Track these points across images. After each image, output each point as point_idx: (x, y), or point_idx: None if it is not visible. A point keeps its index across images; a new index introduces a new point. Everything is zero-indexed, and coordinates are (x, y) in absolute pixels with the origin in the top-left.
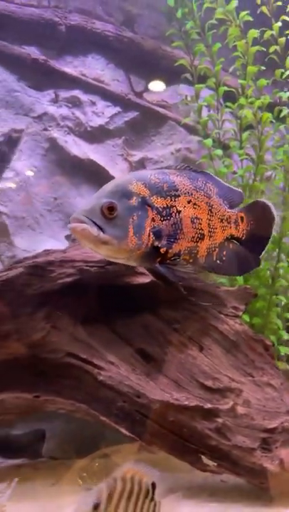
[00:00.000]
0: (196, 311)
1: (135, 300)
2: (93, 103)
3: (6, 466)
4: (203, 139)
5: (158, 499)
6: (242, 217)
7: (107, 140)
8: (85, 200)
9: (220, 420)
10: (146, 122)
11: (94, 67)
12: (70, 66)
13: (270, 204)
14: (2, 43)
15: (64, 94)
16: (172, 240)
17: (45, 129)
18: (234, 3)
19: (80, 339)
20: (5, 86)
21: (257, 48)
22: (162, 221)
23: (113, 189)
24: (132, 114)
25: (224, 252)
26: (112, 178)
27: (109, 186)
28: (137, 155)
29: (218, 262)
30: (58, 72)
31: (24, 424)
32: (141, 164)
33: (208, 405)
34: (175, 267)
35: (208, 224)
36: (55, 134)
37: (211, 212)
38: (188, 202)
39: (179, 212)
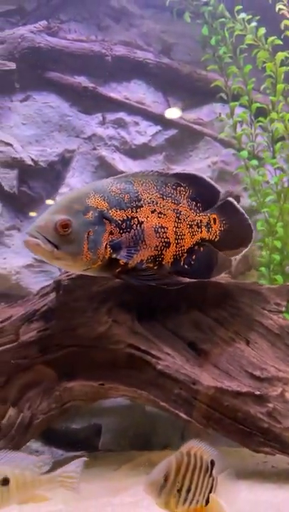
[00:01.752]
0: (242, 308)
1: (184, 298)
2: (136, 123)
3: (68, 457)
4: (238, 152)
5: (215, 475)
6: (214, 219)
7: (150, 156)
8: (43, 213)
9: (270, 405)
10: (184, 139)
11: (136, 92)
12: (115, 91)
13: (234, 202)
14: (57, 74)
15: (110, 116)
16: (132, 251)
17: (94, 149)
18: (262, 30)
19: (138, 332)
20: (59, 112)
21: (284, 68)
22: (121, 233)
23: (69, 203)
24: (171, 132)
25: (193, 257)
26: None
27: (65, 200)
28: (176, 169)
29: (185, 266)
30: (104, 97)
31: (82, 419)
32: None
33: (259, 392)
34: (138, 274)
35: (175, 231)
36: (104, 152)
37: (179, 219)
38: (153, 211)
39: (141, 223)
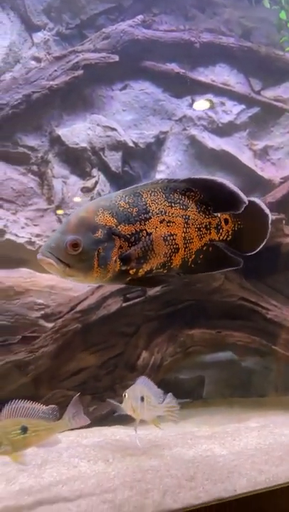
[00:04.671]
0: None
1: (279, 259)
2: (222, 103)
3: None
4: None
5: None
6: (226, 219)
7: (235, 133)
8: (53, 232)
9: None
10: (266, 115)
11: (221, 74)
12: (202, 75)
13: (261, 203)
14: (151, 63)
15: (199, 98)
16: (142, 261)
17: (185, 129)
18: None
19: (247, 288)
20: (153, 97)
21: None
22: (130, 246)
23: (78, 223)
24: (254, 110)
25: (201, 256)
26: (243, 165)
27: (74, 219)
28: (259, 144)
29: (192, 266)
30: (193, 81)
31: (188, 371)
32: (264, 151)
33: None
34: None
35: (184, 237)
36: (194, 132)
37: (187, 224)
38: (161, 221)
39: (150, 234)
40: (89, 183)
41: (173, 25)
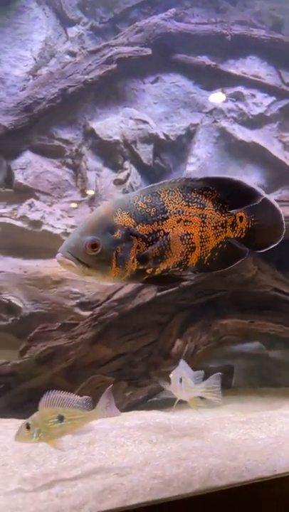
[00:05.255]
0: None
1: None
2: (253, 95)
3: None
4: None
5: None
6: (241, 217)
7: (265, 125)
8: (72, 232)
9: None
10: None
11: (252, 66)
12: (233, 67)
13: (272, 200)
14: (183, 55)
15: (229, 90)
16: (159, 261)
17: (215, 121)
18: None
19: (279, 279)
20: (184, 90)
21: None
22: (148, 246)
23: (97, 223)
24: (284, 102)
25: (216, 254)
26: (272, 157)
27: (93, 219)
28: (287, 137)
29: (207, 264)
30: (224, 73)
31: (217, 361)
32: None
33: None
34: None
35: (200, 236)
36: (224, 124)
37: (204, 223)
38: (179, 221)
39: (167, 234)
40: (121, 176)
41: (204, 17)
